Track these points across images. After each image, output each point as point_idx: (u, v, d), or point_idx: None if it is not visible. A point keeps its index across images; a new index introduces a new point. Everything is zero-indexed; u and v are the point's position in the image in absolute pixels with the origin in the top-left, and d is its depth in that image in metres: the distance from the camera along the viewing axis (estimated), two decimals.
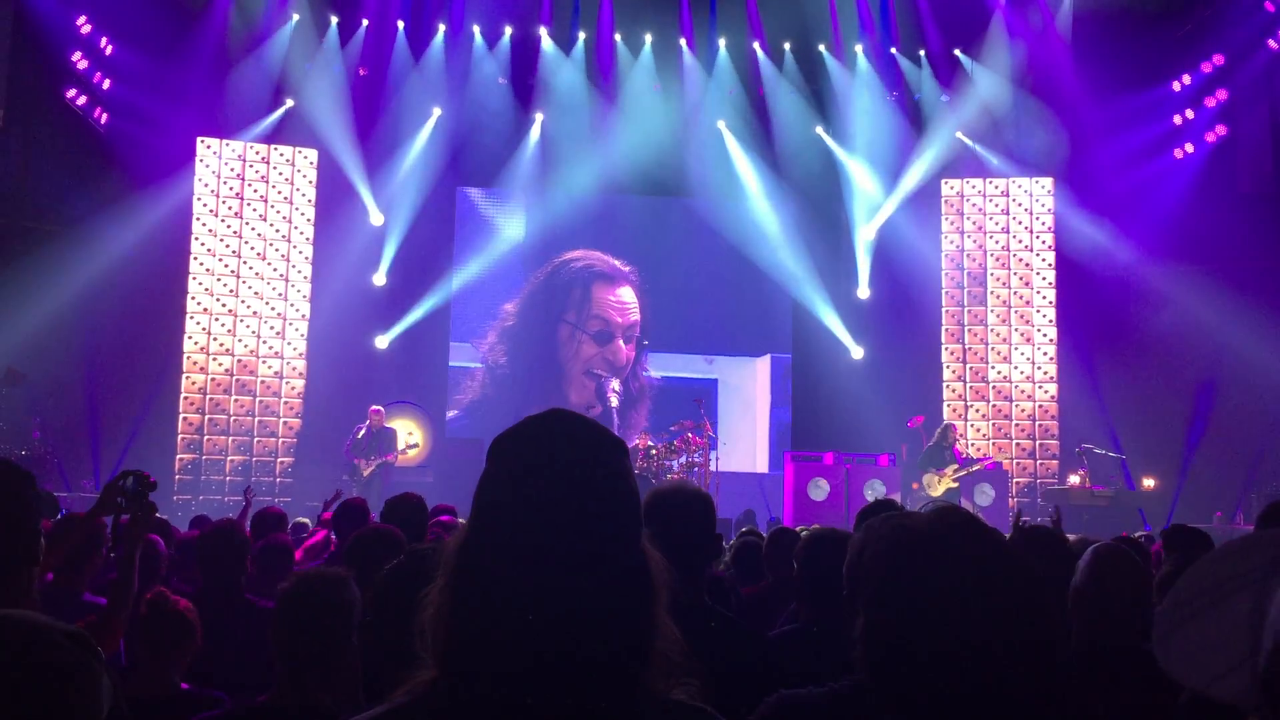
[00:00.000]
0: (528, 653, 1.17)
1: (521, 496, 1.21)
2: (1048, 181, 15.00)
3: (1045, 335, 14.84)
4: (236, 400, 13.85)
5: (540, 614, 1.17)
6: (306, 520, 7.90)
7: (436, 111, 14.87)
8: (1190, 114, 14.16)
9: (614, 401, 13.78)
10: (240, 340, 13.94)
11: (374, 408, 12.90)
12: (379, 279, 14.71)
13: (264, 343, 14.04)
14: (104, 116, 13.05)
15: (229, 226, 14.05)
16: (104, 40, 12.91)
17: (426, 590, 1.26)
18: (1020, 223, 15.07)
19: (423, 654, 1.24)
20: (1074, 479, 13.27)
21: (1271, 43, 13.18)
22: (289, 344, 14.12)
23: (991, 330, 14.95)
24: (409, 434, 13.60)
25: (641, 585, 1.24)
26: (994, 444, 14.68)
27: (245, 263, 14.06)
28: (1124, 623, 2.75)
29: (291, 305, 14.19)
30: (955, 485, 12.60)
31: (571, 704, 1.18)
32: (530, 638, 1.17)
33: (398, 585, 2.19)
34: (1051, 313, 14.84)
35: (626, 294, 15.39)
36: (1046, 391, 14.77)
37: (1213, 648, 0.87)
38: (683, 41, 15.25)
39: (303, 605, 2.31)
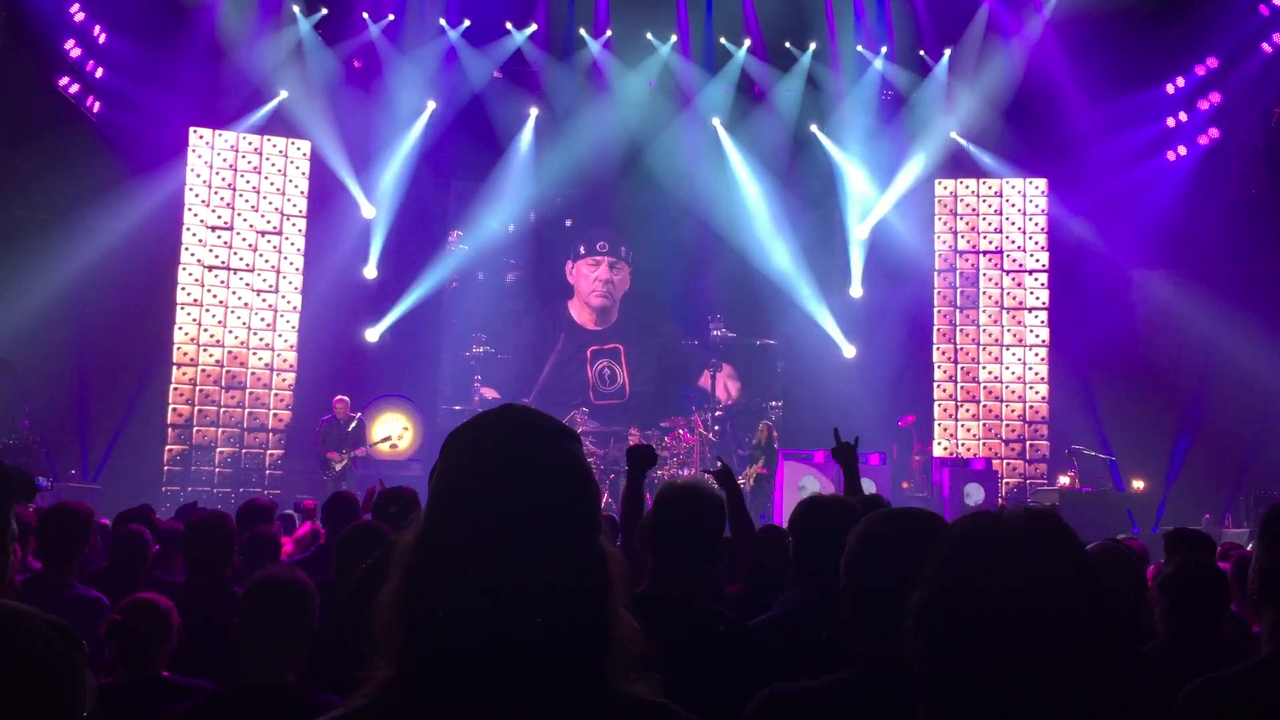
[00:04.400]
0: (484, 645, 1.17)
1: (475, 487, 1.21)
2: (1041, 182, 15.02)
3: (1037, 336, 14.86)
4: (227, 392, 13.80)
5: (494, 606, 1.17)
6: (294, 514, 7.87)
7: (430, 104, 14.84)
8: (1183, 116, 14.19)
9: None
10: (231, 332, 13.88)
11: (338, 398, 12.89)
12: (370, 271, 14.68)
13: (255, 334, 13.99)
14: (96, 105, 12.99)
15: (220, 217, 13.99)
16: (97, 29, 12.85)
17: (382, 587, 1.25)
18: (1013, 223, 15.09)
19: (375, 654, 1.23)
20: (1064, 480, 13.31)
21: (1265, 46, 13.21)
22: (280, 336, 14.07)
23: (983, 330, 14.97)
24: (404, 429, 13.58)
25: (598, 576, 1.24)
26: (984, 444, 14.71)
27: (236, 254, 14.00)
28: (1120, 625, 2.72)
29: (283, 297, 14.14)
30: (765, 472, 12.75)
31: (530, 698, 1.17)
32: (484, 631, 1.17)
33: (379, 579, 2.21)
34: (1043, 314, 14.86)
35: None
36: (1037, 392, 14.79)
37: None
38: (674, 37, 15.23)
39: (265, 600, 2.62)
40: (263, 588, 2.66)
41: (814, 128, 15.50)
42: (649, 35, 15.21)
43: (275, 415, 13.96)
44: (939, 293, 15.13)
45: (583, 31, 15.11)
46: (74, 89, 12.56)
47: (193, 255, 13.84)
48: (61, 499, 5.75)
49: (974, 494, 13.01)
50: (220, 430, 13.74)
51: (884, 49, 15.23)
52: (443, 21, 14.74)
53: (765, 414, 15.25)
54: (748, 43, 15.24)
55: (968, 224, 15.20)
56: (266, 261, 14.12)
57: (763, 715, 1.78)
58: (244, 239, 14.05)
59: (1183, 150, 14.20)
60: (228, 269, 13.96)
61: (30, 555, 4.30)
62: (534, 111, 15.24)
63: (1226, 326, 12.89)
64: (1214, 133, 13.96)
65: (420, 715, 1.19)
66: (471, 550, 1.19)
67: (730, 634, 2.52)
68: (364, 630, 1.26)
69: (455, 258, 15.28)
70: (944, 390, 15.01)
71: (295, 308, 14.17)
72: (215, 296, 13.89)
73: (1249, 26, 13.26)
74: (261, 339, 14.02)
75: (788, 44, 15.34)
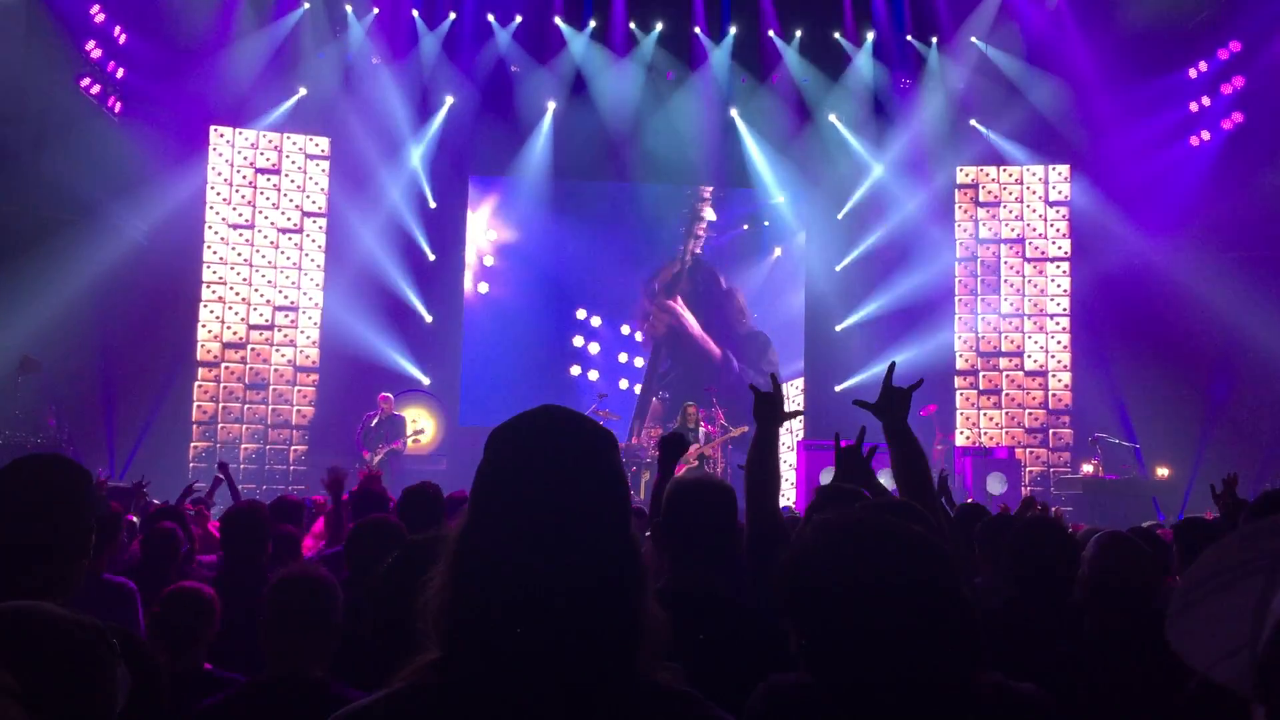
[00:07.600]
0: (525, 632, 1.22)
1: (518, 484, 1.28)
2: (1063, 168, 14.91)
3: (1059, 324, 14.77)
4: (250, 389, 13.90)
5: (536, 595, 1.23)
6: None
7: (449, 100, 14.86)
8: (1207, 101, 14.04)
9: None
10: (254, 328, 13.99)
11: (382, 395, 13.00)
12: (392, 268, 14.72)
13: (278, 331, 14.09)
14: (118, 105, 13.08)
15: (242, 215, 14.09)
16: (117, 29, 12.94)
17: (430, 573, 1.32)
18: (1035, 210, 14.99)
19: (425, 636, 1.29)
20: (1087, 468, 13.23)
21: None
22: (302, 332, 14.17)
23: (1005, 319, 14.89)
24: (413, 421, 13.64)
25: (631, 569, 1.30)
26: (1007, 433, 14.64)
27: (258, 251, 14.10)
28: (1134, 609, 2.74)
29: (304, 294, 14.22)
30: (709, 455, 12.62)
31: (567, 683, 1.23)
32: (527, 618, 1.23)
33: (395, 577, 2.22)
34: (1066, 301, 14.77)
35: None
36: (1060, 380, 14.71)
37: (1218, 630, 0.90)
38: (696, 29, 15.19)
39: (289, 596, 2.67)
40: (286, 584, 2.71)
41: (832, 116, 15.44)
42: (661, 26, 15.15)
43: (299, 412, 14.05)
44: (960, 281, 15.06)
45: (595, 24, 15.07)
46: (95, 89, 12.65)
47: (215, 253, 13.95)
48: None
49: (996, 483, 12.95)
50: (245, 427, 13.84)
51: (906, 36, 15.16)
52: (452, 15, 14.73)
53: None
54: (768, 33, 15.18)
55: (989, 212, 15.11)
56: (288, 258, 14.20)
57: (762, 705, 1.79)
58: (265, 236, 14.14)
59: (1206, 135, 14.05)
60: (250, 266, 14.06)
61: None
62: (552, 104, 15.23)
63: (1252, 312, 12.76)
64: (1238, 117, 13.82)
65: (459, 698, 1.24)
66: (509, 542, 1.25)
67: (752, 625, 2.53)
68: (384, 627, 1.30)
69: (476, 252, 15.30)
70: (966, 379, 14.94)
71: (317, 304, 14.26)
72: (238, 294, 13.99)
73: (1272, 9, 13.11)
74: (285, 335, 14.11)
75: (799, 32, 15.25)
